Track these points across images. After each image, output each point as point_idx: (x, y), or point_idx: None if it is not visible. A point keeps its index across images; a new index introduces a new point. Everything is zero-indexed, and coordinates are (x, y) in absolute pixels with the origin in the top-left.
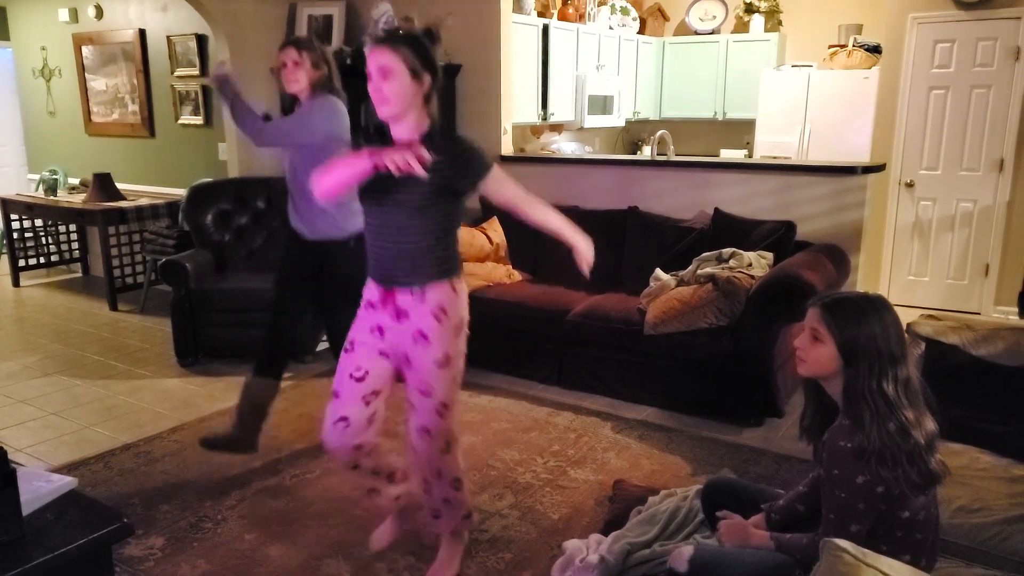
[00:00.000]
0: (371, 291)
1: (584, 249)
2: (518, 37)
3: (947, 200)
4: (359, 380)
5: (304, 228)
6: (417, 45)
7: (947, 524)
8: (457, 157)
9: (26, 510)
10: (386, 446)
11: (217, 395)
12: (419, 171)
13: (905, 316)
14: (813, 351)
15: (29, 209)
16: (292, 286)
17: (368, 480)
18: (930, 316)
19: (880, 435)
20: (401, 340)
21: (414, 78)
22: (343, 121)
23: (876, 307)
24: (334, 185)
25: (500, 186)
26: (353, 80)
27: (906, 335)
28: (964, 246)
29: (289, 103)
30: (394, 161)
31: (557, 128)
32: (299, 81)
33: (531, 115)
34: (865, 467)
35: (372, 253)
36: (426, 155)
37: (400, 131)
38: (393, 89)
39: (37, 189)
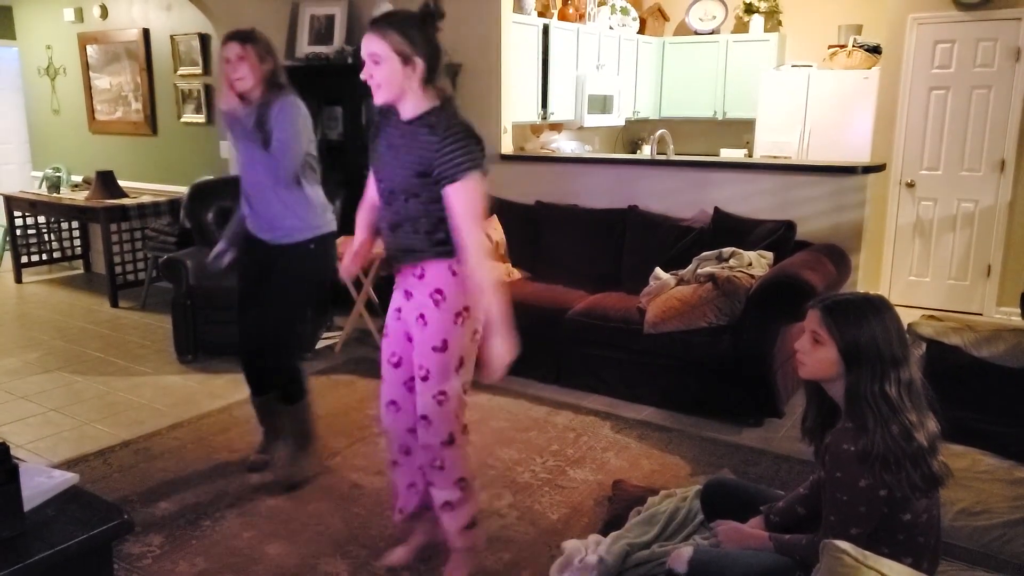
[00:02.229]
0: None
1: (500, 351)
2: (518, 37)
3: (948, 200)
4: (396, 366)
5: (264, 232)
6: (406, 30)
7: (949, 527)
8: (445, 145)
9: (28, 506)
10: None
11: (216, 392)
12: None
13: (906, 317)
14: (814, 354)
15: (32, 206)
16: (252, 300)
17: (413, 474)
18: (931, 317)
19: (884, 438)
20: (409, 319)
21: (404, 63)
22: (309, 121)
23: (877, 309)
24: None
25: (457, 208)
26: (355, 79)
27: (907, 336)
28: (966, 247)
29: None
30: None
31: (557, 127)
32: (244, 78)
33: (531, 114)
34: (868, 471)
35: (382, 230)
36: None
37: (403, 112)
38: (383, 75)
39: (40, 186)
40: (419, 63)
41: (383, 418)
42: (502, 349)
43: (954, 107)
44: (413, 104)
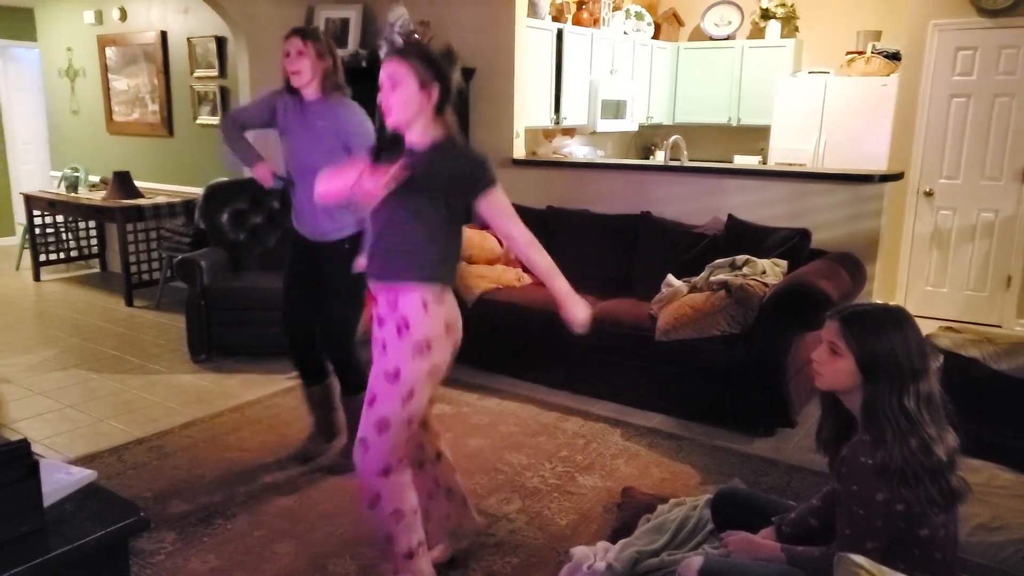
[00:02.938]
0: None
1: (577, 315)
2: (532, 41)
3: (968, 210)
4: None
5: (305, 228)
6: (427, 57)
7: (965, 542)
8: (453, 171)
9: (47, 501)
10: (451, 460)
11: (229, 392)
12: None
13: (923, 328)
14: (831, 365)
15: (51, 205)
16: (295, 291)
17: (429, 483)
18: (949, 328)
19: (902, 452)
20: (376, 344)
21: (421, 88)
22: (370, 125)
23: (896, 320)
24: (329, 193)
25: (495, 215)
26: (368, 83)
27: (927, 348)
28: (985, 257)
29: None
30: (364, 188)
31: (569, 132)
32: (302, 72)
33: (544, 119)
34: (886, 485)
35: (369, 248)
36: (393, 179)
37: (411, 140)
38: (399, 98)
39: (59, 186)
40: (435, 90)
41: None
42: (581, 312)
43: (975, 115)
44: (421, 133)
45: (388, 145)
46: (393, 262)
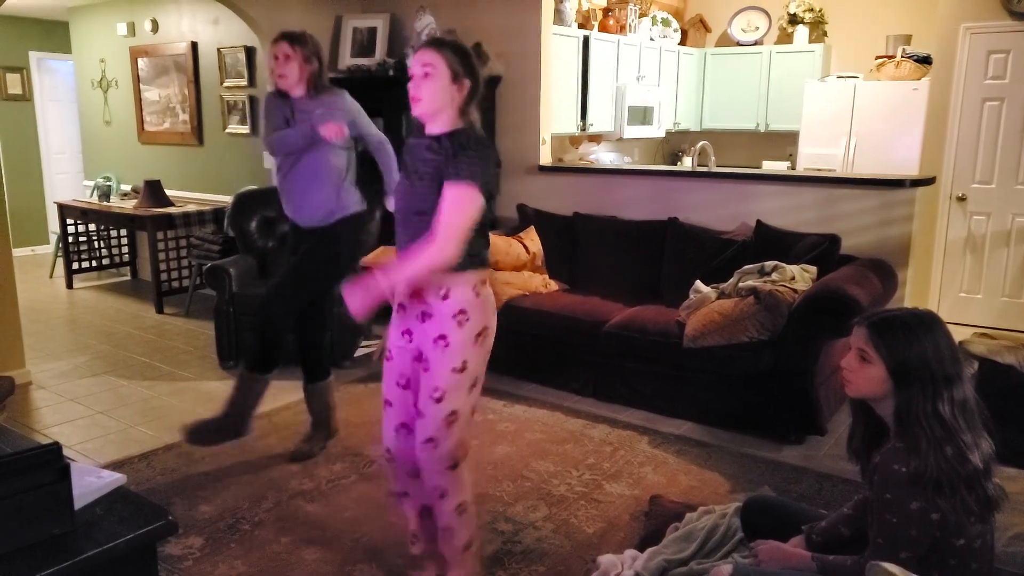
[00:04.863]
0: (401, 293)
1: (357, 296)
2: (559, 48)
3: (1002, 215)
4: (405, 388)
5: (296, 215)
6: (461, 51)
7: (1001, 552)
8: (459, 152)
9: (77, 504)
10: None
11: None
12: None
13: (957, 334)
14: (861, 372)
15: (84, 214)
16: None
17: (423, 497)
18: (984, 334)
19: (937, 461)
20: (423, 341)
21: (453, 80)
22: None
23: (927, 325)
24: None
25: (445, 198)
26: (396, 91)
27: (960, 353)
28: (1021, 263)
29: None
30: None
31: (596, 139)
32: (287, 76)
33: (570, 125)
34: (921, 494)
35: (397, 243)
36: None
37: (432, 130)
38: (430, 88)
39: (92, 195)
40: (466, 84)
41: (391, 444)
42: (356, 296)
43: (1009, 118)
44: (444, 123)
45: (410, 137)
46: None
